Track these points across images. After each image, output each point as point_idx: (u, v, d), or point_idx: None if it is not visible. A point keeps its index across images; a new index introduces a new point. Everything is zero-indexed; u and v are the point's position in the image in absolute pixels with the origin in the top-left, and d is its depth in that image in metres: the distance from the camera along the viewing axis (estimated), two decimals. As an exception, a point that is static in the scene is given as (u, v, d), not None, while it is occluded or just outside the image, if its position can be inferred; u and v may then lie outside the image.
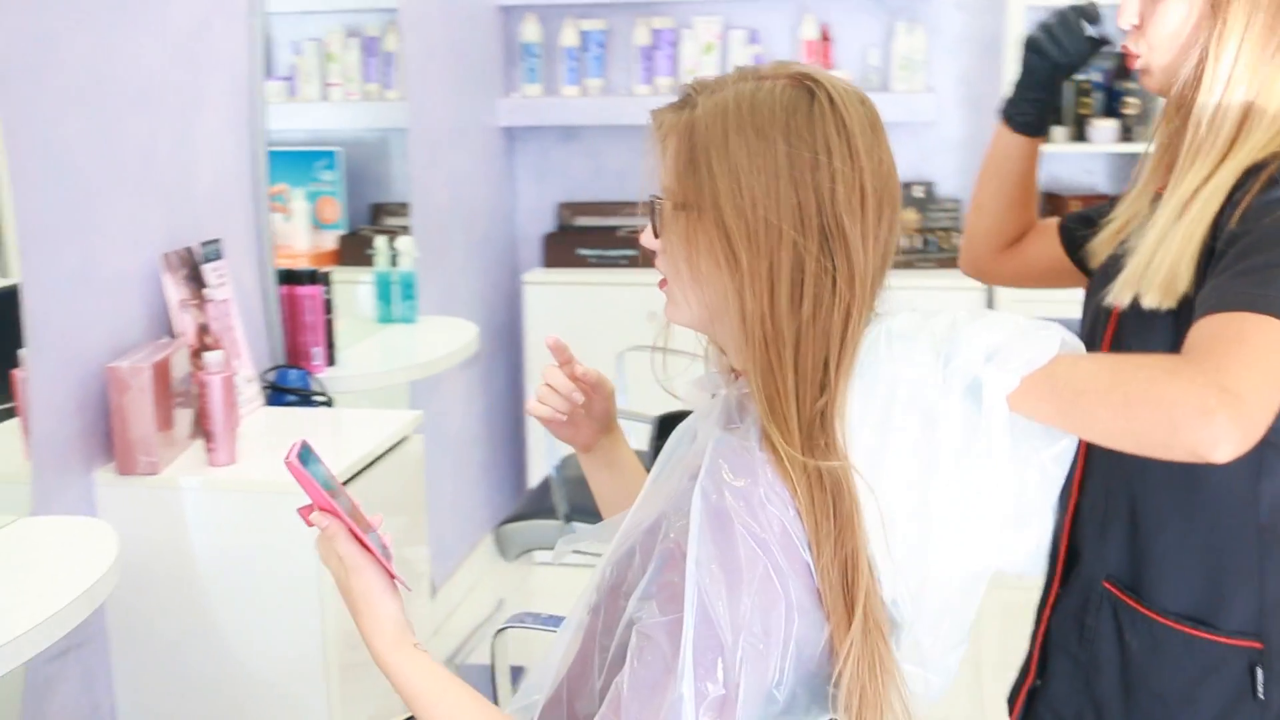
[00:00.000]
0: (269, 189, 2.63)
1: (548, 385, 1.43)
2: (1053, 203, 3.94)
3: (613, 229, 4.20)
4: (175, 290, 2.24)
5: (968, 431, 1.14)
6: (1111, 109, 3.83)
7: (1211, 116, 1.32)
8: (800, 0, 4.12)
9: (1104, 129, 3.75)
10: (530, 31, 4.19)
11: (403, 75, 3.39)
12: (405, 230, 3.33)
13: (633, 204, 4.75)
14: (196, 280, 2.31)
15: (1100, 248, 1.49)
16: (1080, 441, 1.20)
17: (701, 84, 1.19)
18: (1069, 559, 1.49)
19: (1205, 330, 1.19)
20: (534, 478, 4.10)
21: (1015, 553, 1.18)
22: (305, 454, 1.22)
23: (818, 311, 1.13)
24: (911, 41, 4.01)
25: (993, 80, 4.06)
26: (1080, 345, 1.19)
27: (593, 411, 1.47)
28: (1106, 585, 1.44)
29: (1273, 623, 1.36)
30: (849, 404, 1.14)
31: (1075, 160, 4.07)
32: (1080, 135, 3.82)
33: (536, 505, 3.01)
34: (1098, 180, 4.09)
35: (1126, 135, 3.76)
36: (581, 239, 4.13)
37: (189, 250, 2.31)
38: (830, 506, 1.11)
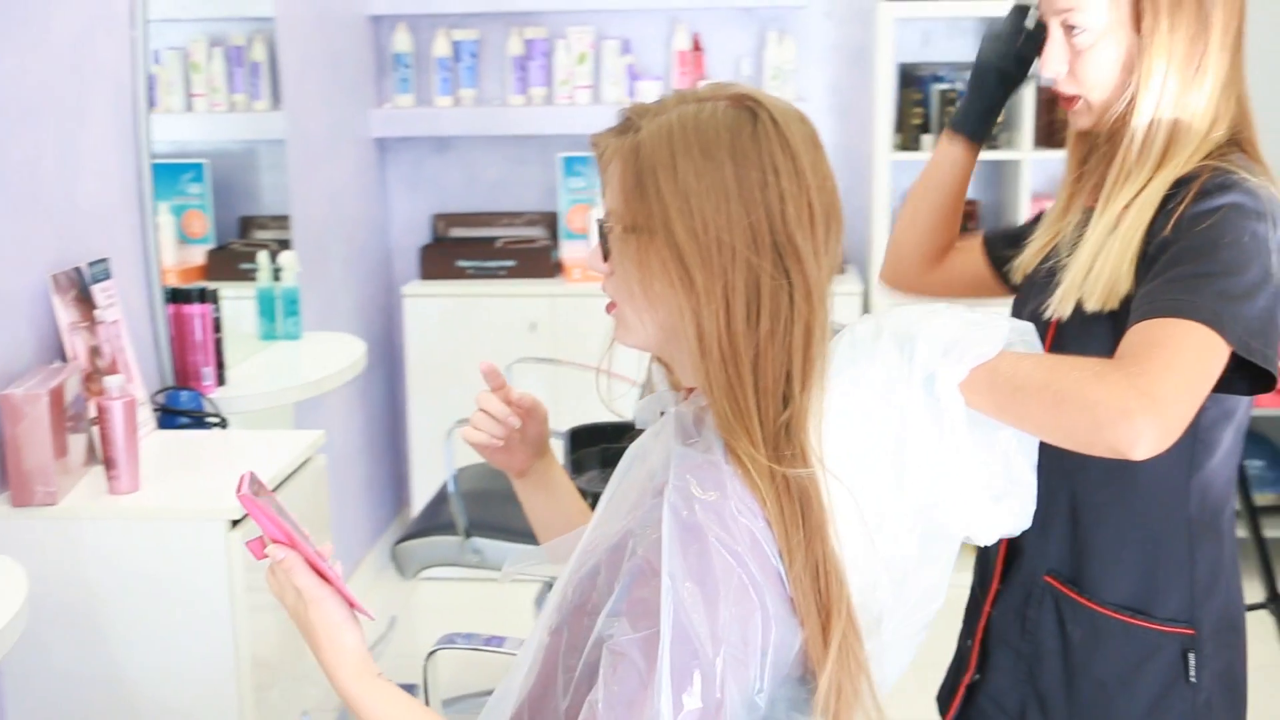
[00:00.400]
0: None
1: (483, 411, 1.42)
2: (922, 209, 4.05)
3: (490, 240, 4.17)
4: (65, 312, 2.15)
5: (936, 422, 1.19)
6: (976, 118, 3.95)
7: (1143, 140, 1.40)
8: (672, 11, 4.15)
9: (970, 137, 3.86)
10: (402, 41, 4.14)
11: (271, 85, 3.32)
12: (279, 244, 3.25)
13: (508, 214, 4.71)
14: (86, 301, 2.22)
15: (1026, 263, 1.56)
16: None
17: (641, 108, 1.20)
18: (1009, 555, 1.54)
19: (1136, 336, 1.27)
20: (417, 492, 4.05)
21: (1001, 522, 1.25)
22: (254, 486, 1.19)
23: (776, 327, 1.14)
24: (782, 52, 4.08)
25: (861, 89, 4.16)
26: (1031, 330, 1.25)
27: (527, 436, 1.46)
28: (1048, 579, 1.50)
29: (1203, 610, 1.45)
30: (826, 409, 1.16)
31: (942, 167, 4.19)
32: (948, 143, 3.93)
33: (431, 521, 2.98)
34: (963, 186, 4.21)
35: (991, 142, 3.89)
36: (460, 250, 4.09)
37: (78, 270, 2.22)
38: (799, 515, 1.13)
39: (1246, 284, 1.28)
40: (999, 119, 1.69)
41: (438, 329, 3.97)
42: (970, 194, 4.17)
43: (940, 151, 1.68)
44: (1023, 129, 3.80)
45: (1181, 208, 1.34)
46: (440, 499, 3.12)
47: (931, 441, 1.20)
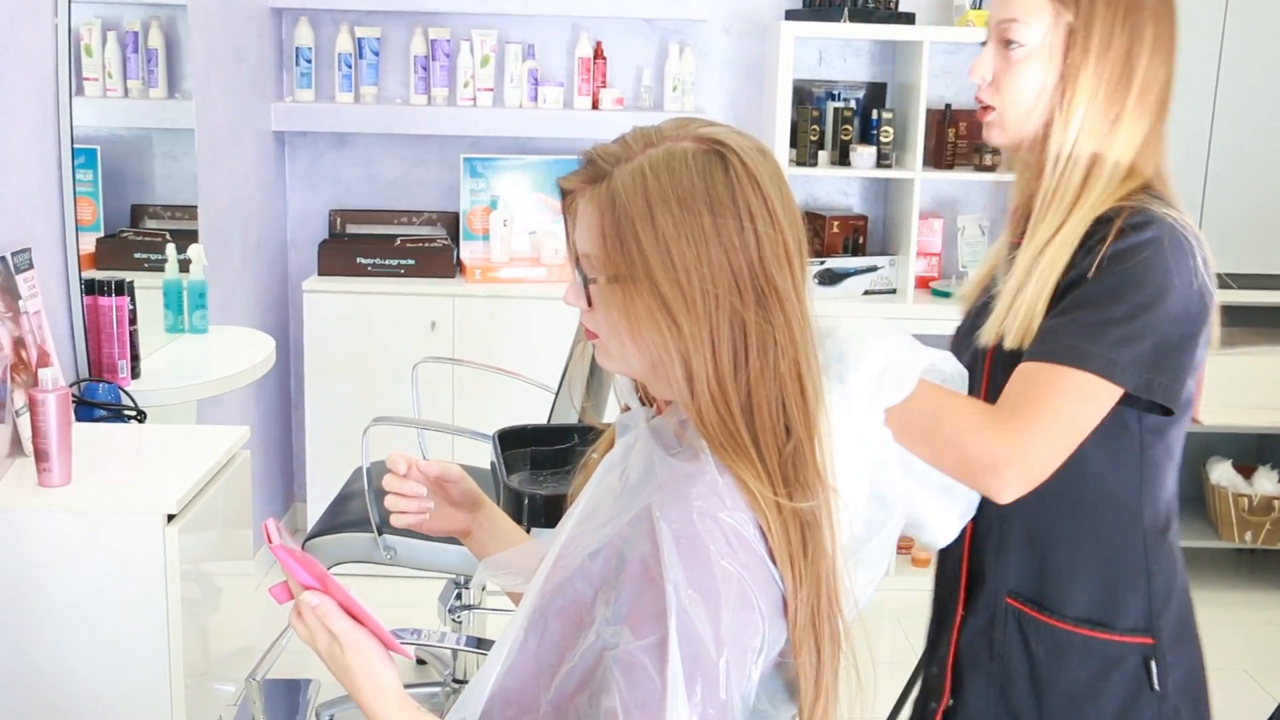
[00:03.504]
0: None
1: (393, 494, 1.46)
2: (813, 223, 4.18)
3: (390, 238, 4.17)
4: (-8, 302, 2.13)
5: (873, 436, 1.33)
6: (868, 136, 4.10)
7: (1061, 171, 1.48)
8: (575, 19, 4.21)
9: (863, 154, 4.00)
10: (303, 36, 4.12)
11: (167, 73, 3.28)
12: (173, 235, 3.22)
13: (407, 213, 4.70)
14: (10, 292, 2.19)
15: (968, 295, 1.66)
16: None
17: (607, 152, 1.21)
18: (971, 581, 1.60)
19: (1024, 380, 1.39)
20: (312, 488, 4.04)
21: (951, 516, 1.41)
22: (280, 534, 1.20)
23: (765, 365, 1.19)
24: (682, 64, 4.16)
25: (756, 102, 4.28)
26: (948, 359, 1.38)
27: (453, 499, 1.50)
28: (1009, 601, 1.55)
29: (1162, 620, 1.51)
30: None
31: (834, 183, 4.33)
32: (842, 159, 4.07)
33: (339, 518, 2.98)
34: (853, 201, 4.36)
35: (883, 161, 4.03)
36: (359, 247, 4.08)
37: (2, 260, 2.19)
38: (804, 543, 1.19)
39: (1152, 321, 1.37)
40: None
41: (336, 325, 3.95)
42: (860, 209, 4.33)
43: None
44: (914, 150, 3.95)
45: (1105, 247, 1.41)
46: (344, 496, 3.13)
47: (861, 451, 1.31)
